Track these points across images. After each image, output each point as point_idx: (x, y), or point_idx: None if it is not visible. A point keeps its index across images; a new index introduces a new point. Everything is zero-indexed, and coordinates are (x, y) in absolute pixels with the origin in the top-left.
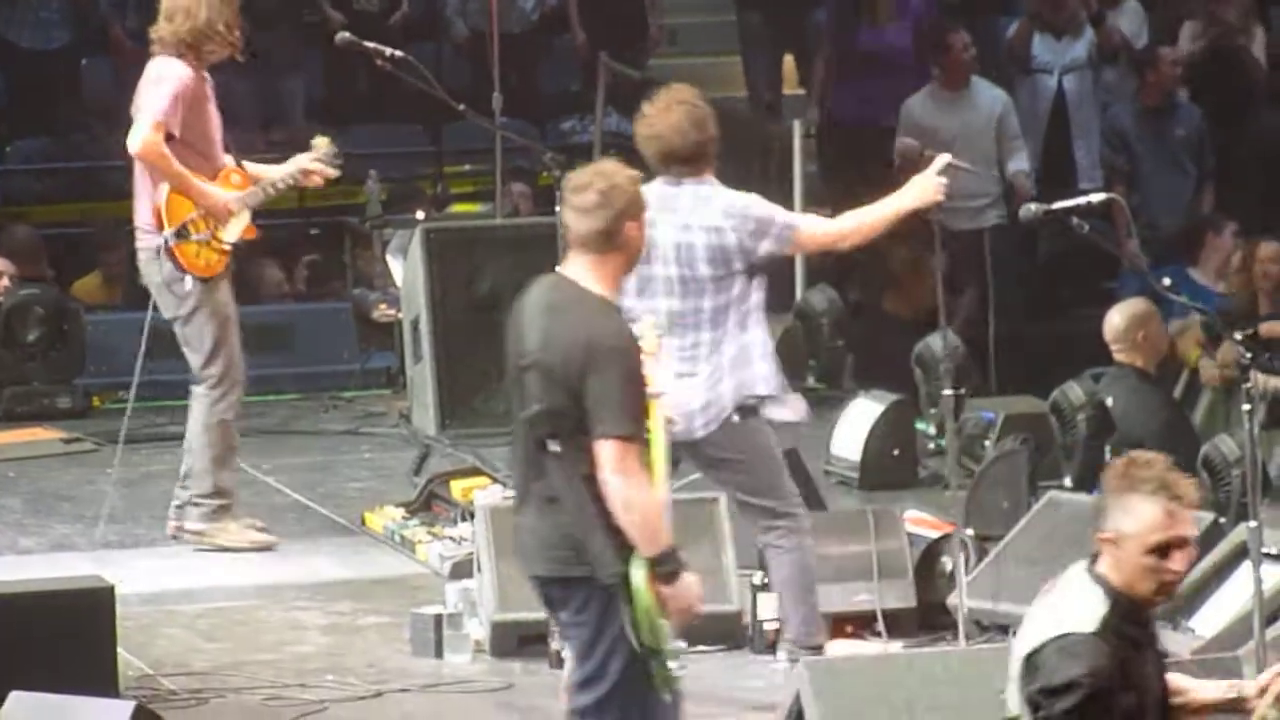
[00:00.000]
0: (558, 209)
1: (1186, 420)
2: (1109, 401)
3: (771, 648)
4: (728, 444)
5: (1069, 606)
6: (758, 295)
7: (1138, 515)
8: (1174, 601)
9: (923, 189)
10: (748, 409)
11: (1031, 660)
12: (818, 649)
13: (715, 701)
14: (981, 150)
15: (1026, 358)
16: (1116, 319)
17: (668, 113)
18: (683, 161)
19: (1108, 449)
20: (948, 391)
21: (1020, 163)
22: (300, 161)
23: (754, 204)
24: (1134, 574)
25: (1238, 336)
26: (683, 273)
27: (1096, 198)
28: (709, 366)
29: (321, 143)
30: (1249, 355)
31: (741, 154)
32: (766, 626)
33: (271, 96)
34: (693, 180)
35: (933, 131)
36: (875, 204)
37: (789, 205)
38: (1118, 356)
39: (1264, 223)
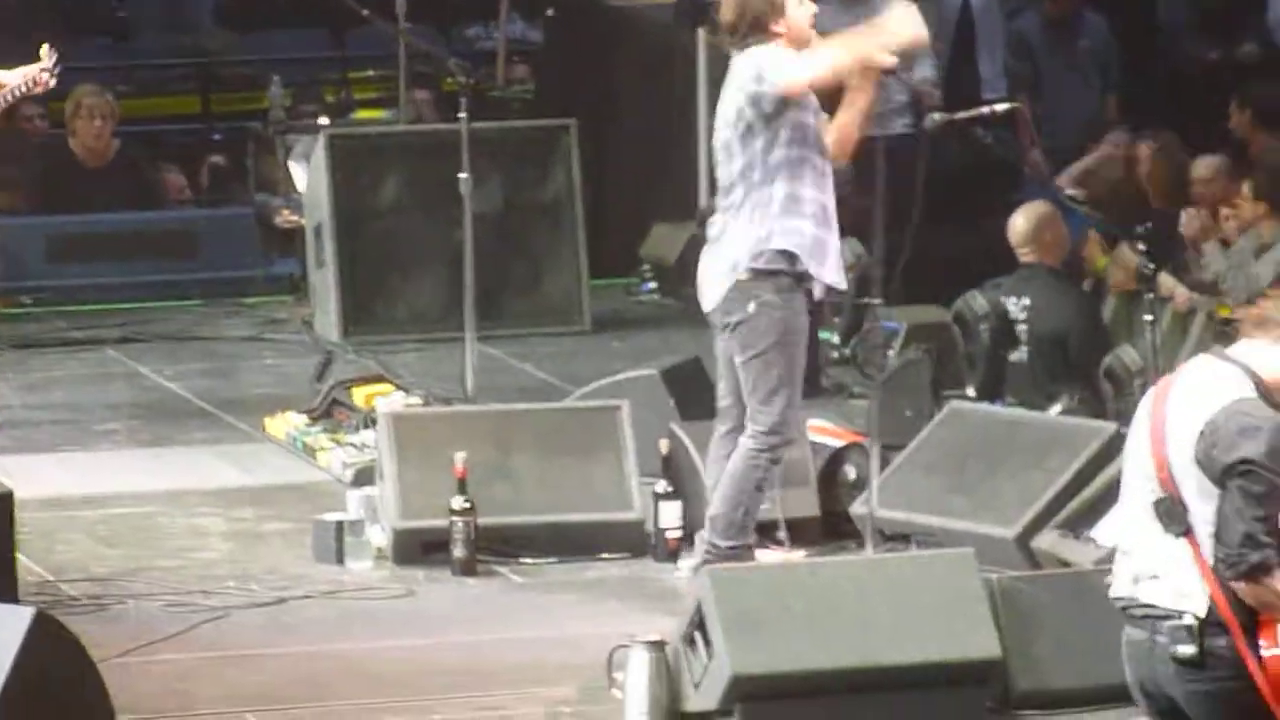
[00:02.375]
0: (461, 115)
1: (1099, 314)
2: (1026, 300)
3: (673, 556)
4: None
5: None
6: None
7: None
8: (1075, 511)
9: (899, 30)
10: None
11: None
12: (733, 554)
13: (617, 610)
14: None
15: (930, 267)
16: (1020, 221)
17: None
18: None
19: (1026, 350)
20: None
21: (925, 69)
22: (29, 70)
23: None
24: None
25: (1141, 246)
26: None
27: (1000, 107)
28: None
29: (44, 52)
30: (1151, 265)
31: (649, 63)
32: (668, 535)
33: (179, 3)
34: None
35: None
36: (842, 42)
37: (693, 116)
38: (1025, 258)
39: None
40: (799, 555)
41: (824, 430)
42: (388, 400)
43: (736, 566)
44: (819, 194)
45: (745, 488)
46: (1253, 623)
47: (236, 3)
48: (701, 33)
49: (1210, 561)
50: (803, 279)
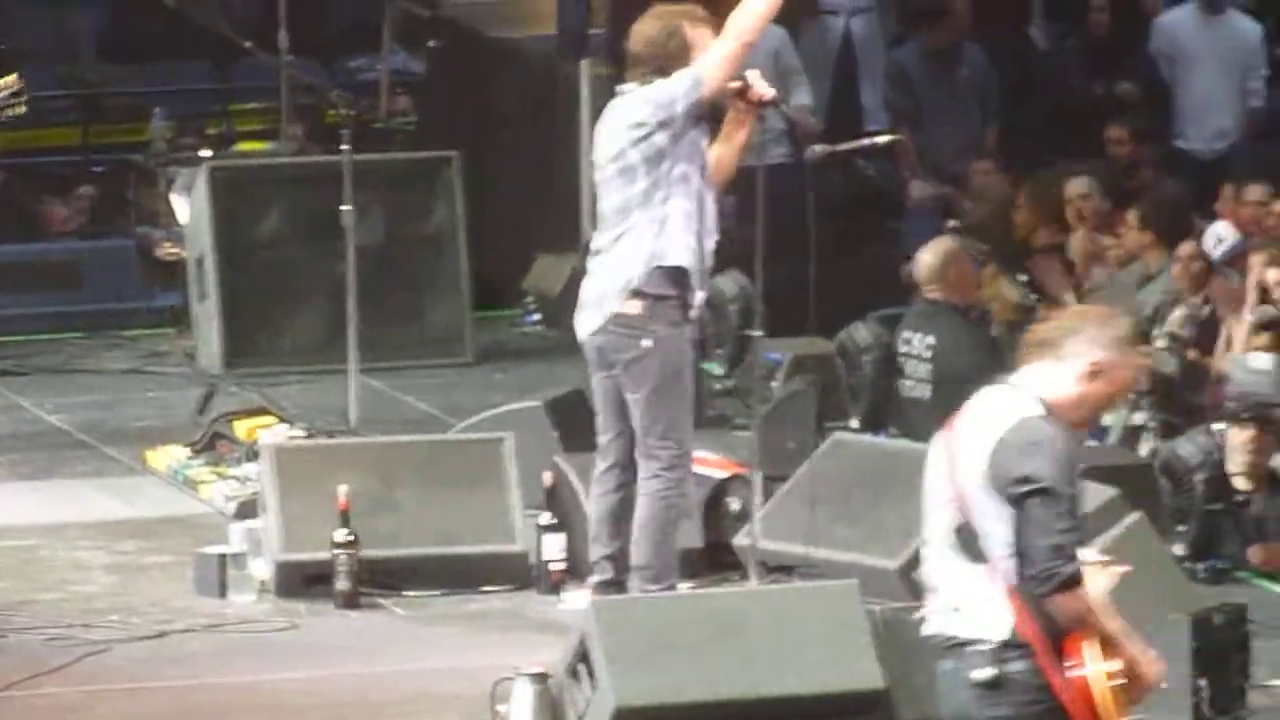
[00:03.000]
0: (344, 147)
1: (1002, 355)
2: (930, 339)
3: (556, 588)
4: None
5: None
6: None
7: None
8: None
9: None
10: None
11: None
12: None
13: (500, 642)
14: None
15: (813, 298)
16: (928, 257)
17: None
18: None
19: (931, 387)
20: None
21: (802, 97)
22: None
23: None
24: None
25: (1022, 278)
26: None
27: (881, 138)
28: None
29: (7, 81)
30: (1034, 297)
31: (532, 94)
32: (551, 567)
33: (62, 33)
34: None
35: None
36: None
37: (575, 146)
38: (931, 295)
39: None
40: (684, 587)
41: (707, 462)
42: (270, 433)
43: (620, 598)
44: (703, 214)
45: (666, 530)
46: (1058, 643)
47: (119, 34)
48: (584, 64)
49: (1011, 584)
50: (686, 305)
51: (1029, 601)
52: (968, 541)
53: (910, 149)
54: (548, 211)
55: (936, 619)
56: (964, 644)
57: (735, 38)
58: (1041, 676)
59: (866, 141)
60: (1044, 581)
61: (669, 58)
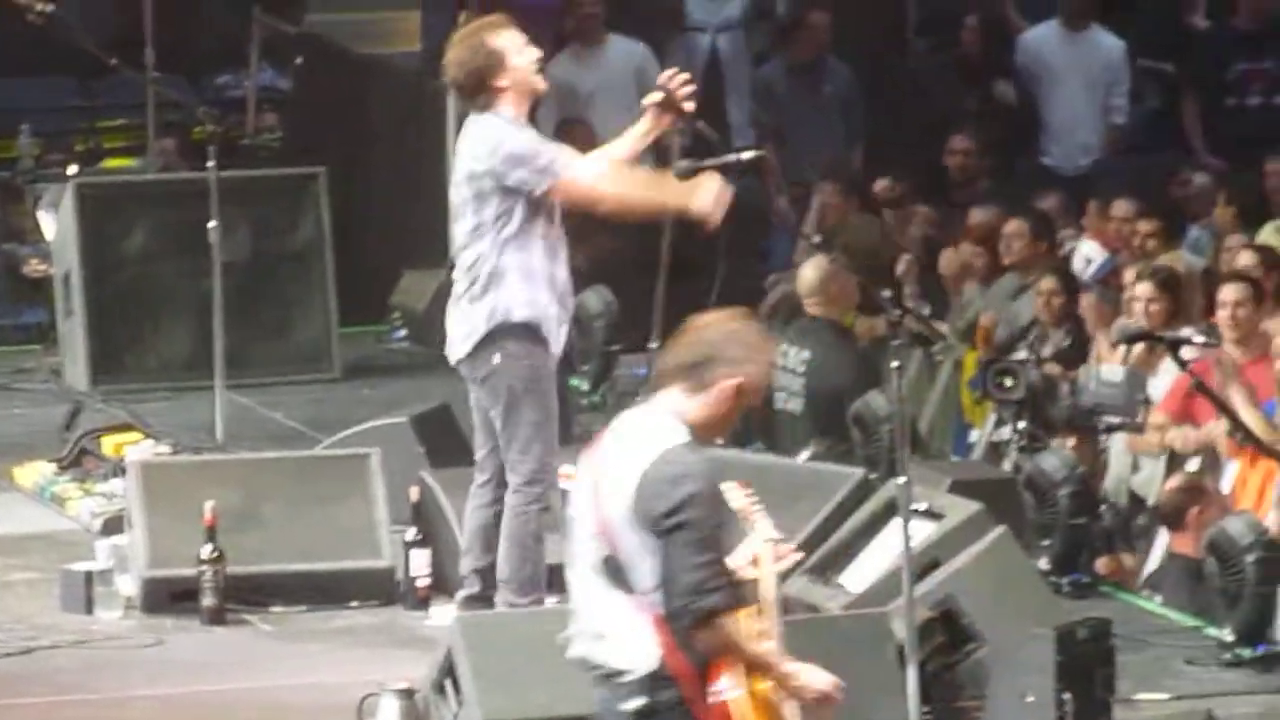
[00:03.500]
0: (210, 164)
1: (876, 373)
2: (805, 354)
3: (423, 603)
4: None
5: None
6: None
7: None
8: (824, 557)
9: (704, 200)
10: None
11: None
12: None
13: (367, 658)
14: (624, 104)
15: (679, 314)
16: (810, 273)
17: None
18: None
19: (803, 401)
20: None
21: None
22: None
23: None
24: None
25: (886, 294)
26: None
27: (745, 155)
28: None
29: None
30: (898, 313)
31: (398, 110)
32: (418, 583)
33: None
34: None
35: (570, 88)
36: (649, 182)
37: (441, 162)
38: (812, 310)
39: (914, 180)
40: (551, 601)
41: (574, 477)
42: (137, 449)
43: (487, 613)
44: (550, 265)
45: (525, 543)
46: (705, 671)
47: None
48: None
49: (659, 615)
50: (540, 339)
51: (676, 632)
52: (615, 572)
53: (775, 165)
54: (414, 227)
55: (581, 643)
56: (613, 674)
57: (598, 201)
58: (688, 705)
59: (731, 157)
60: (685, 615)
61: (485, 73)
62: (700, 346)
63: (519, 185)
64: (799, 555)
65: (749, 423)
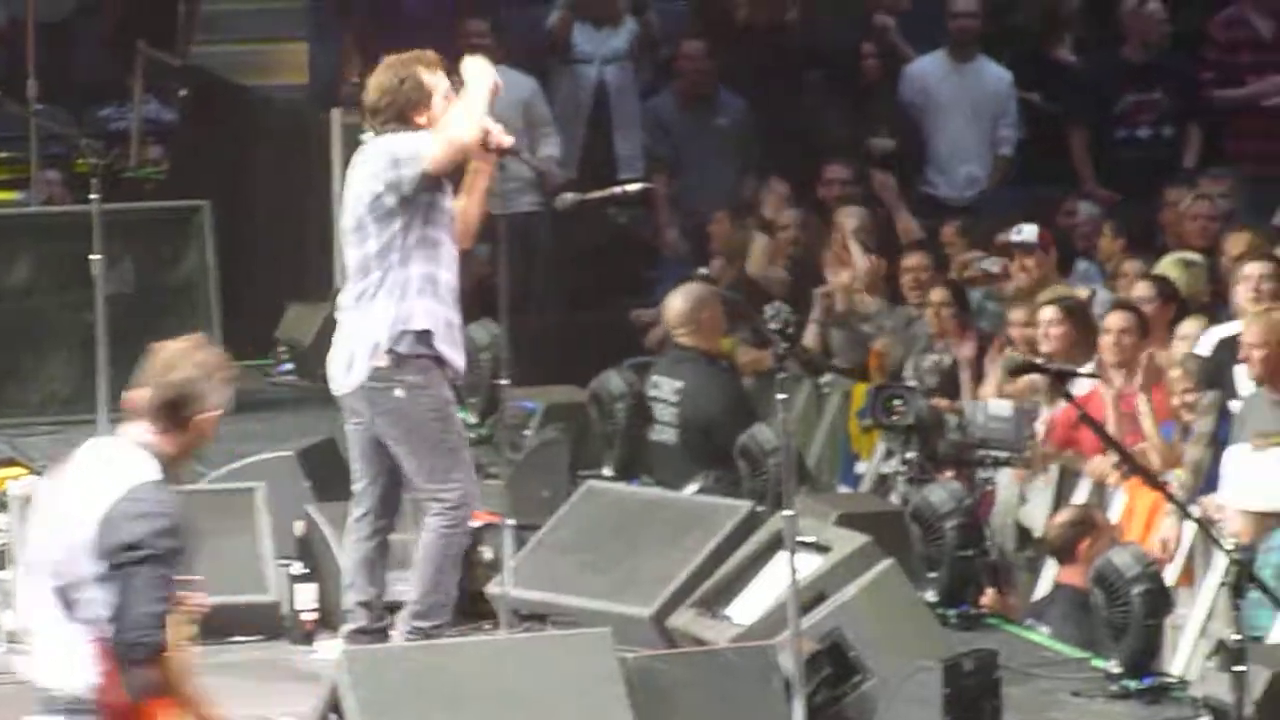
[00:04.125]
0: (93, 196)
1: (748, 400)
2: (678, 384)
3: (308, 638)
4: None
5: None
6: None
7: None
8: (712, 589)
9: (472, 73)
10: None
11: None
12: (436, 634)
13: (253, 692)
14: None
15: (566, 347)
16: (679, 302)
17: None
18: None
19: (677, 432)
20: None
21: (549, 148)
22: None
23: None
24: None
25: (774, 327)
26: None
27: (632, 187)
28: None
29: None
30: (785, 345)
31: (284, 143)
32: (304, 617)
33: None
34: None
35: None
36: (456, 108)
37: (327, 195)
38: (681, 340)
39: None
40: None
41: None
42: (19, 484)
43: (373, 648)
44: (450, 276)
45: (443, 567)
46: (139, 706)
47: None
48: (335, 114)
49: (105, 644)
50: (440, 360)
51: (122, 664)
52: (68, 598)
53: (664, 197)
54: (300, 260)
55: (29, 664)
56: (45, 692)
57: (457, 134)
58: None
59: (617, 190)
60: (136, 648)
61: (407, 104)
62: (172, 387)
63: (414, 180)
64: (205, 605)
65: (634, 460)
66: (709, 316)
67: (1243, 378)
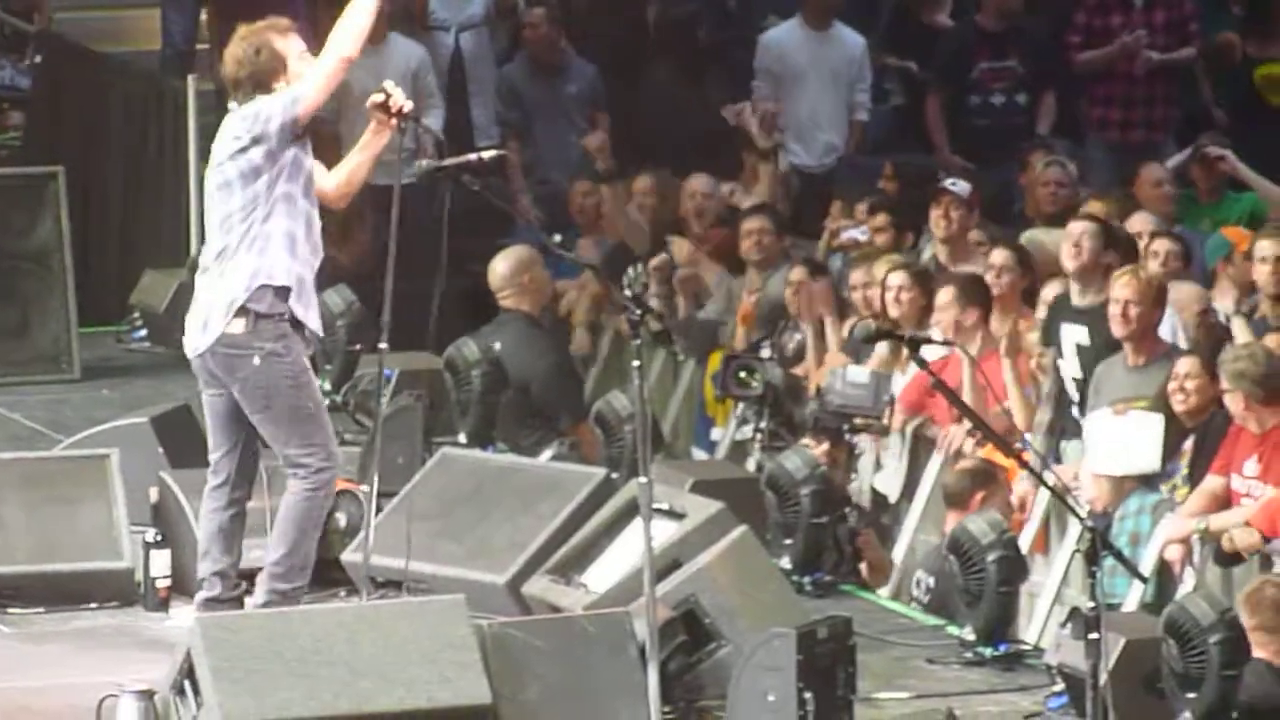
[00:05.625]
0: None
1: (572, 363)
2: (498, 346)
3: (163, 604)
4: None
5: None
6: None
7: None
8: (567, 556)
9: None
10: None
11: None
12: (295, 595)
13: (107, 659)
14: None
15: (421, 313)
16: (501, 265)
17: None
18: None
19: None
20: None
21: (433, 121)
22: None
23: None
24: None
25: (628, 294)
26: None
27: (486, 154)
28: None
29: None
30: (639, 312)
31: (138, 109)
32: (158, 583)
33: None
34: None
35: (347, 86)
36: (340, 25)
37: (184, 163)
38: (505, 303)
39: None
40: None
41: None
42: None
43: (227, 614)
44: (308, 235)
45: (305, 529)
46: None
47: None
48: (190, 80)
49: None
50: (295, 321)
51: None
52: None
53: (517, 163)
54: (155, 226)
55: None
56: None
57: (334, 54)
58: None
59: (471, 157)
60: None
61: (263, 73)
62: None
63: (281, 129)
64: None
65: (488, 427)
66: (530, 279)
67: (1068, 336)
